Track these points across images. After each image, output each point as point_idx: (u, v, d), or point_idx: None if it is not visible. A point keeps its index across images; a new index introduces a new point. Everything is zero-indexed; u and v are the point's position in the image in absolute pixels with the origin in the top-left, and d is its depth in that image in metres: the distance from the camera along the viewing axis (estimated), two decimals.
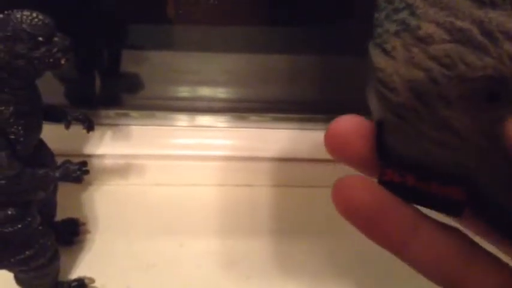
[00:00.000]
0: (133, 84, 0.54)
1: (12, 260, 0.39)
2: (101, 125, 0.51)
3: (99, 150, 0.52)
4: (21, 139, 0.36)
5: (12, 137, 0.35)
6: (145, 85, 0.55)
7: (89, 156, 0.51)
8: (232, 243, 0.48)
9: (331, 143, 0.17)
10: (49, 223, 0.43)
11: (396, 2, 0.16)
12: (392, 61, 0.16)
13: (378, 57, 0.16)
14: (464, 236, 0.17)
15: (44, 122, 0.38)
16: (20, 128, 0.35)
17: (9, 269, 0.40)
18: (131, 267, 0.47)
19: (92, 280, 0.46)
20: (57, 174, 0.36)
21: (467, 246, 0.17)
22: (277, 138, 0.53)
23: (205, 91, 0.59)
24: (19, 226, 0.38)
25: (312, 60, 0.58)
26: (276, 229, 0.50)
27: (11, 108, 0.34)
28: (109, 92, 0.56)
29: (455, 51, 0.15)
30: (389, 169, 0.16)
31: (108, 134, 0.52)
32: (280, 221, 0.51)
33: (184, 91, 0.58)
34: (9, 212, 0.37)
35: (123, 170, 0.53)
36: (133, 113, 0.53)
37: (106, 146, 0.52)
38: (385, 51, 0.16)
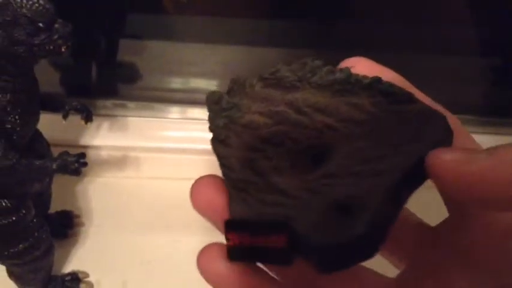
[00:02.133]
0: (131, 75, 0.53)
1: (5, 253, 0.38)
2: (98, 115, 0.49)
3: (95, 142, 0.50)
4: (18, 129, 0.34)
5: (9, 126, 0.34)
6: (144, 76, 0.53)
7: (85, 147, 0.50)
8: None
9: (197, 205, 0.19)
10: (43, 215, 0.42)
11: (223, 103, 0.20)
12: (227, 148, 0.19)
13: (217, 148, 0.19)
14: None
15: (41, 111, 0.37)
16: (16, 117, 0.34)
17: (2, 262, 0.39)
18: (126, 262, 0.46)
19: (86, 274, 0.45)
20: (54, 166, 0.35)
21: None
22: None
23: (203, 83, 0.58)
24: (13, 218, 0.37)
25: (310, 55, 0.57)
26: None
27: (8, 96, 0.33)
28: (106, 81, 0.54)
29: (280, 131, 0.18)
30: (230, 233, 0.17)
31: (105, 125, 0.51)
32: None
33: (182, 83, 0.57)
34: (4, 204, 0.36)
35: (119, 162, 0.51)
36: (130, 104, 0.52)
37: (102, 137, 0.51)
38: (220, 140, 0.19)
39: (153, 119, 0.53)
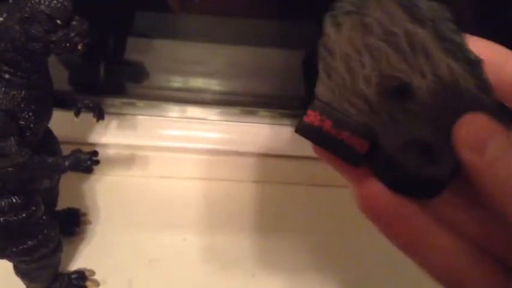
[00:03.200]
0: (140, 73, 0.53)
1: (14, 249, 0.37)
2: (106, 113, 0.49)
3: (104, 140, 0.50)
4: (31, 125, 0.34)
5: (22, 122, 0.34)
6: (153, 74, 0.53)
7: (93, 145, 0.50)
8: (237, 239, 0.48)
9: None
10: (50, 213, 0.42)
11: None
12: (338, 33, 0.20)
13: (329, 29, 0.20)
14: (469, 241, 0.19)
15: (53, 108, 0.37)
16: (30, 113, 0.34)
17: (10, 259, 0.39)
18: (133, 261, 0.46)
19: (92, 272, 0.45)
20: (67, 163, 0.35)
21: (470, 251, 0.19)
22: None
23: (207, 83, 0.58)
24: (23, 215, 0.37)
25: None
26: (273, 226, 0.50)
27: (23, 93, 0.33)
28: (115, 80, 0.54)
29: (384, 49, 0.20)
30: (313, 112, 0.19)
31: (113, 123, 0.51)
32: (285, 218, 0.50)
33: (192, 82, 0.57)
34: (14, 200, 0.36)
35: (126, 161, 0.51)
36: (139, 103, 0.52)
37: (110, 135, 0.51)
38: (336, 24, 0.20)
39: (161, 118, 0.52)
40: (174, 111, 0.53)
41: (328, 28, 0.20)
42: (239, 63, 0.57)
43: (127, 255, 0.46)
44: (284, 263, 0.47)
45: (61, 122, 0.40)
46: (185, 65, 0.57)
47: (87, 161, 0.35)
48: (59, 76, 0.50)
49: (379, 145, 0.19)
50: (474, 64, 0.19)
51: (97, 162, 0.36)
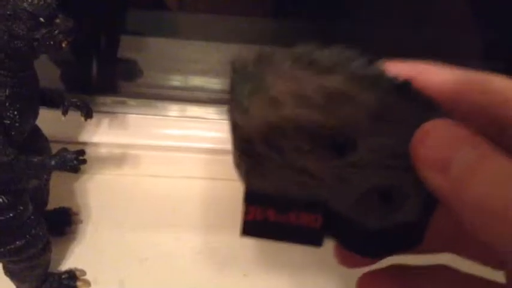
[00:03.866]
0: (132, 72, 0.53)
1: (2, 249, 0.37)
2: (97, 112, 0.49)
3: (94, 139, 0.50)
4: (17, 124, 0.34)
5: (7, 122, 0.34)
6: (144, 73, 0.53)
7: (84, 144, 0.49)
8: (230, 238, 0.47)
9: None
10: (40, 212, 0.42)
11: (249, 69, 0.18)
12: (249, 119, 0.18)
13: (236, 117, 0.18)
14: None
15: (40, 106, 0.37)
16: (15, 112, 0.34)
17: None
18: (124, 260, 0.46)
19: (83, 272, 0.45)
20: (53, 162, 0.35)
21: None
22: None
23: (203, 81, 0.58)
24: (10, 215, 0.36)
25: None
26: None
27: (7, 92, 0.33)
28: (106, 78, 0.54)
29: (304, 115, 0.17)
30: (252, 206, 0.17)
31: (104, 122, 0.51)
32: None
33: (183, 80, 0.56)
34: (1, 200, 0.36)
35: (118, 160, 0.51)
36: (130, 101, 0.52)
37: (101, 134, 0.50)
38: (242, 112, 0.18)
39: (153, 116, 0.52)
40: (166, 109, 0.53)
41: (235, 117, 0.18)
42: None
43: (118, 254, 0.46)
44: (276, 263, 0.47)
45: (52, 121, 0.40)
46: (180, 63, 0.56)
47: (73, 160, 0.35)
48: (51, 74, 0.50)
49: (332, 213, 0.17)
50: (404, 88, 0.18)
51: (84, 161, 0.36)
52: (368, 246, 0.17)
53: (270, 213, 0.17)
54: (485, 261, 0.19)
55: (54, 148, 0.39)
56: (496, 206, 0.13)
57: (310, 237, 0.17)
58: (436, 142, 0.15)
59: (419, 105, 0.17)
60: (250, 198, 0.17)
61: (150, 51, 0.53)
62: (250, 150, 0.18)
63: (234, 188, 0.54)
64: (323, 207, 0.17)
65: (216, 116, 0.54)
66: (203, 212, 0.49)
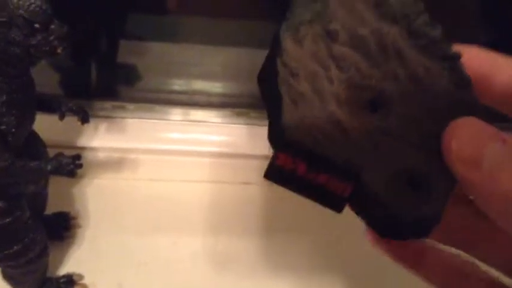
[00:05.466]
0: (131, 76, 0.53)
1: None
2: (96, 117, 0.49)
3: (93, 143, 0.50)
4: (13, 130, 0.34)
5: (4, 127, 0.34)
6: (143, 77, 0.53)
7: (82, 148, 0.50)
8: (227, 242, 0.47)
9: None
10: (39, 217, 0.42)
11: None
12: (299, 49, 0.17)
13: (287, 41, 0.17)
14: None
15: (37, 112, 0.37)
16: (12, 118, 0.34)
17: None
18: (122, 265, 0.46)
19: (81, 277, 0.45)
20: (49, 167, 0.35)
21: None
22: None
23: (203, 85, 0.58)
24: (8, 220, 0.36)
25: None
26: (271, 228, 0.49)
27: (4, 97, 0.33)
28: (105, 83, 0.54)
29: (351, 56, 0.17)
30: (283, 154, 0.16)
31: (103, 126, 0.51)
32: (276, 220, 0.50)
33: (182, 84, 0.56)
34: None
35: (116, 164, 0.51)
36: (129, 106, 0.52)
37: (100, 138, 0.50)
38: (295, 37, 0.17)
39: (151, 120, 0.52)
40: (166, 113, 0.53)
41: (287, 44, 0.17)
42: (233, 64, 0.57)
43: (117, 259, 0.46)
44: (277, 268, 0.47)
45: (50, 126, 0.40)
46: (181, 67, 0.56)
47: (69, 165, 0.35)
48: (49, 79, 0.50)
49: (363, 188, 0.17)
50: (451, 59, 0.17)
51: (80, 165, 0.36)
52: (385, 226, 0.17)
53: (301, 167, 0.17)
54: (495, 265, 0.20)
55: (53, 153, 0.39)
56: None
57: (332, 202, 0.17)
58: (468, 138, 0.16)
59: (456, 80, 0.17)
60: (285, 145, 0.16)
61: (148, 55, 0.53)
62: (293, 86, 0.17)
63: (235, 192, 0.55)
64: (356, 176, 0.17)
65: (216, 120, 0.54)
66: (203, 216, 0.49)
